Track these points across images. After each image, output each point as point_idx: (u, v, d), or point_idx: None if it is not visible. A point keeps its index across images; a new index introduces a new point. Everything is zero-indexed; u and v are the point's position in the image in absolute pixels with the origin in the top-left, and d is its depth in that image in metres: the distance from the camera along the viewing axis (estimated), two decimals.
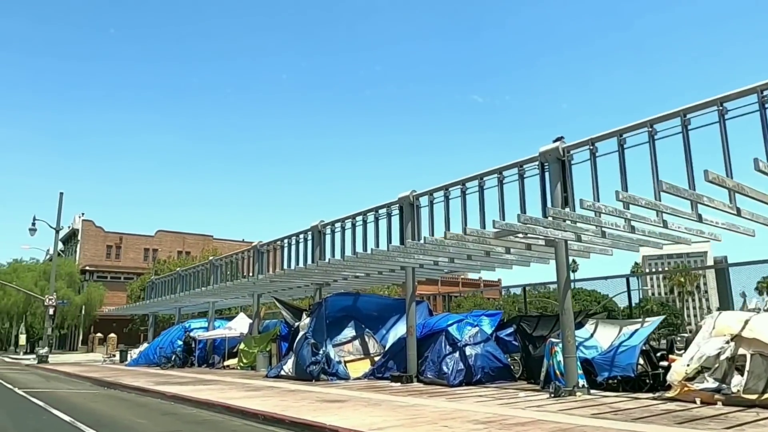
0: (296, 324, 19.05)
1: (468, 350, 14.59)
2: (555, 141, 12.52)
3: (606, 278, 16.64)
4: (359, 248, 17.18)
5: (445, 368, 14.26)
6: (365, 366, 17.44)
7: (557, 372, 12.46)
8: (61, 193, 37.63)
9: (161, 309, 35.19)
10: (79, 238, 75.99)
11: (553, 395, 11.19)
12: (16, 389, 16.49)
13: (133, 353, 32.88)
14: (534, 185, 13.11)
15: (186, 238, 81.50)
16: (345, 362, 17.14)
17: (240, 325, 25.97)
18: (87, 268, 70.19)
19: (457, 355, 14.49)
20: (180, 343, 26.77)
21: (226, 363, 24.46)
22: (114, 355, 34.01)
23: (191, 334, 26.79)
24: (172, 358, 25.52)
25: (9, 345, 73.91)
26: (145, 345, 33.18)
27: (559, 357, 12.52)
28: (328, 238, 19.55)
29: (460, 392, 12.44)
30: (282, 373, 17.70)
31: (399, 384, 14.58)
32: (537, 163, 12.91)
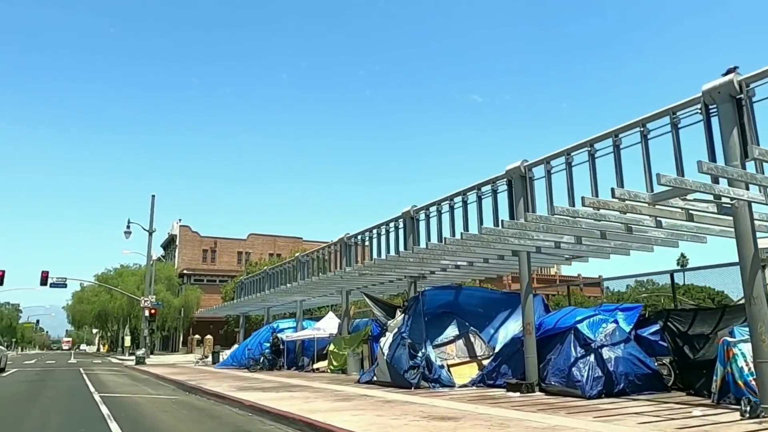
0: (389, 322, 16.80)
1: (605, 353, 11.61)
2: (726, 73, 9.36)
3: None
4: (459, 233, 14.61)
5: (577, 375, 11.36)
6: (472, 371, 14.83)
7: (739, 382, 9.32)
8: (153, 196, 37.97)
9: (251, 309, 34.31)
10: (177, 243, 78.63)
11: (747, 415, 8.08)
12: (95, 394, 15.40)
13: (225, 355, 32.18)
14: (691, 138, 10.03)
15: (277, 240, 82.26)
16: (448, 366, 14.64)
17: (329, 325, 24.16)
18: (185, 271, 72.28)
19: (591, 358, 11.54)
20: (268, 344, 25.38)
21: (315, 365, 22.69)
22: (207, 357, 33.55)
23: (279, 335, 25.32)
24: (261, 360, 24.12)
25: (117, 346, 77.75)
26: (236, 346, 32.38)
27: (740, 362, 9.38)
28: (422, 224, 17.13)
29: (605, 407, 9.56)
30: (375, 378, 15.48)
31: (518, 394, 11.87)
32: (698, 106, 9.79)
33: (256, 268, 58.40)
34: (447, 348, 15.22)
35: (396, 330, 15.50)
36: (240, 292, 36.38)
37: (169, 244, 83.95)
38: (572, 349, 11.85)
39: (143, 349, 33.63)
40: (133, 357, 53.98)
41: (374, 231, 19.98)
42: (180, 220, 79.94)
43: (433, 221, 16.54)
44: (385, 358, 15.01)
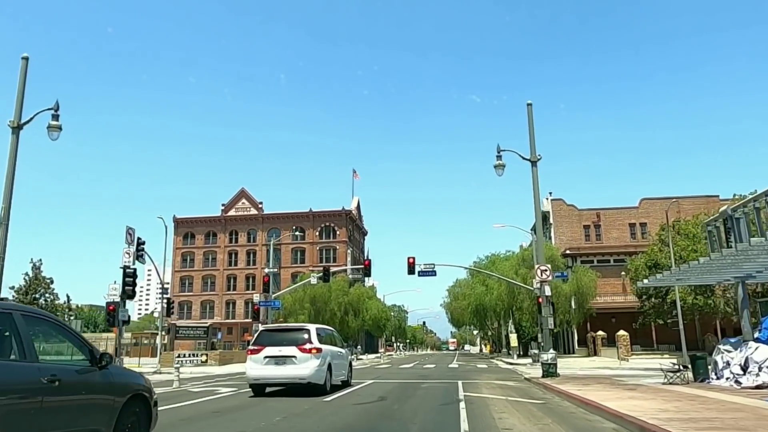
0: None
1: None
2: None
3: None
4: None
5: None
6: None
7: None
8: (529, 104, 24.12)
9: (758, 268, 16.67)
10: (551, 221, 64.94)
11: None
12: None
13: (721, 363, 15.62)
14: None
15: (680, 203, 60.52)
16: None
17: None
18: (567, 252, 57.81)
19: None
20: None
21: None
22: (678, 367, 17.36)
23: None
24: None
25: (501, 346, 68.06)
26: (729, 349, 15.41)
27: None
28: None
29: None
30: None
31: None
32: None
33: (665, 235, 39.83)
34: None
35: None
36: (722, 241, 18.91)
37: (542, 222, 71.05)
38: None
39: (551, 351, 19.48)
40: (523, 360, 41.46)
41: None
42: (551, 193, 66.25)
43: None
44: None
